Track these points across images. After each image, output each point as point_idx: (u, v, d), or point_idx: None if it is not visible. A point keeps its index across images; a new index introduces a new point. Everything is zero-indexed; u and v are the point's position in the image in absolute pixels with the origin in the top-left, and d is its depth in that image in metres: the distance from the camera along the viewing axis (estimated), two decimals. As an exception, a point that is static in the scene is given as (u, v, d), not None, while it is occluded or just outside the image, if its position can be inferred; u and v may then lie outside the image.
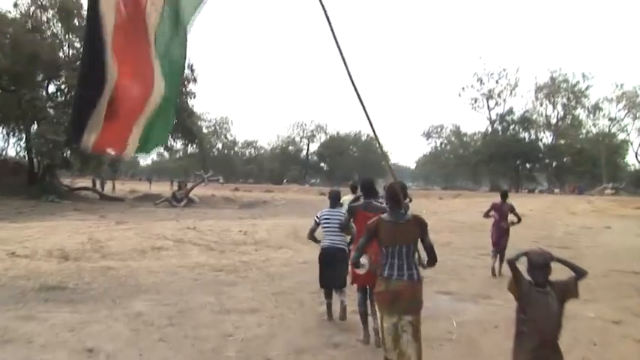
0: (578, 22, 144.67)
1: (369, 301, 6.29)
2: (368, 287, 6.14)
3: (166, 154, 66.35)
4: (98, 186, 43.31)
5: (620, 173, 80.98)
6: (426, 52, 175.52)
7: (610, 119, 78.92)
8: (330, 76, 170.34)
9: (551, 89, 79.55)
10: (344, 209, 7.13)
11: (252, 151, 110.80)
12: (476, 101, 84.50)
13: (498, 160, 78.81)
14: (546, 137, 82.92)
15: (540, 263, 3.96)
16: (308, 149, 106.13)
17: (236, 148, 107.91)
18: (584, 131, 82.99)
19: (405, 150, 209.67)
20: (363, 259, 5.09)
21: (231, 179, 76.63)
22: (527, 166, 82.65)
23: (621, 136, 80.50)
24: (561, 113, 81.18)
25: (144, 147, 3.96)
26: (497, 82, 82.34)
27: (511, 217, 11.48)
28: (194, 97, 40.54)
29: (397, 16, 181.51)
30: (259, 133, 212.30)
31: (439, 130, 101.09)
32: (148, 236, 13.23)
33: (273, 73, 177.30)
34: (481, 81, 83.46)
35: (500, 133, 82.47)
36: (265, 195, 45.52)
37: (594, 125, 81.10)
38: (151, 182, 64.93)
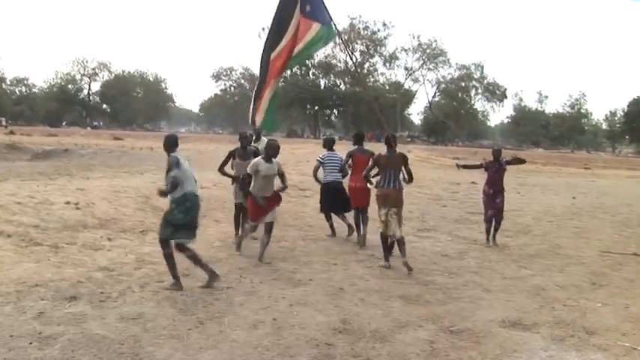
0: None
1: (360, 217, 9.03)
2: (361, 207, 8.98)
3: None
4: None
5: (407, 122, 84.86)
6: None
7: (406, 69, 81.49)
8: (115, 6, 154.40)
9: (350, 36, 78.99)
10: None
11: (24, 89, 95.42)
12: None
13: (297, 106, 77.18)
14: (344, 84, 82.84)
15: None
16: (90, 89, 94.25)
17: (4, 86, 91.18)
18: (379, 79, 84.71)
19: (191, 92, 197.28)
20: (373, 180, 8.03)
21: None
22: (327, 112, 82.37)
23: (415, 87, 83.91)
24: (359, 60, 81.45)
25: (263, 123, 7.88)
26: (297, 24, 79.75)
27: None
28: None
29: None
30: (32, 69, 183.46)
31: (229, 72, 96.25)
32: None
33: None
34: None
35: (300, 77, 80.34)
36: (51, 140, 36.46)
37: (381, 74, 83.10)
38: None
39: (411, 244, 9.29)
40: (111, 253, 7.30)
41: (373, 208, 8.33)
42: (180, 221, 5.96)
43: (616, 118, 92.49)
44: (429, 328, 5.24)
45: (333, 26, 7.42)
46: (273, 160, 7.47)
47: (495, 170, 9.56)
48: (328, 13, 7.19)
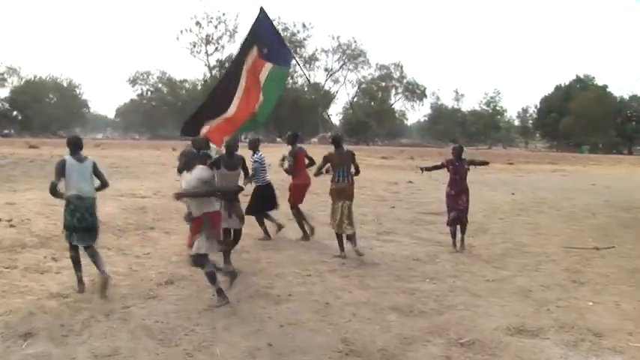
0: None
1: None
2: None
3: None
4: None
5: (328, 123, 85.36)
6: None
7: (326, 70, 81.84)
8: (23, 8, 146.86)
9: (271, 39, 78.44)
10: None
11: None
12: (195, 46, 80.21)
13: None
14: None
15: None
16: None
17: None
18: (298, 81, 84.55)
19: (106, 98, 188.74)
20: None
21: None
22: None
23: (335, 88, 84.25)
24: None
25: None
26: (216, 27, 79.29)
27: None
28: None
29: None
30: None
31: (146, 76, 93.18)
32: None
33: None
34: (200, 25, 79.41)
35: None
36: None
37: (300, 76, 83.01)
38: None
39: (378, 249, 8.98)
40: (61, 276, 6.48)
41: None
42: (68, 223, 5.92)
43: (528, 115, 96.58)
44: (437, 343, 4.83)
45: (289, 66, 8.19)
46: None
47: (455, 170, 9.08)
48: (289, 55, 7.95)
